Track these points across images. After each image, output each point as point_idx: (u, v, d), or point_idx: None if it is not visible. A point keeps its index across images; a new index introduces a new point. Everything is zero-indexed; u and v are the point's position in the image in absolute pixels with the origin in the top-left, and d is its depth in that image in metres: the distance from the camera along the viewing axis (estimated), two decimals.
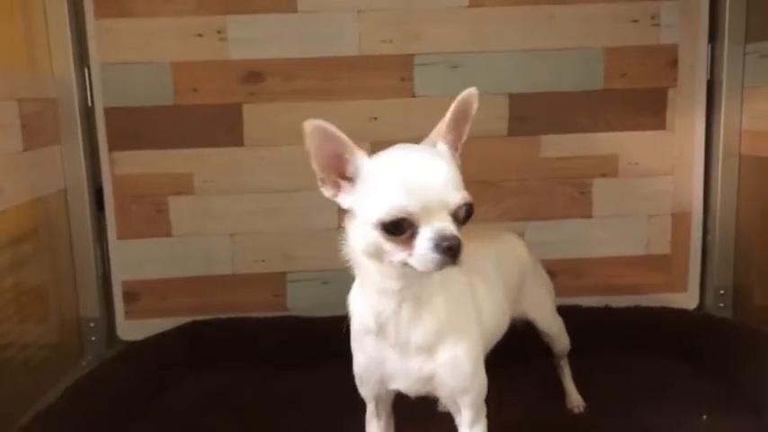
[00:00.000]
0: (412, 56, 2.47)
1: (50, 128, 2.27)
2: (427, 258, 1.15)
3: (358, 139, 2.37)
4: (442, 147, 1.29)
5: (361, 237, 1.22)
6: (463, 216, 1.18)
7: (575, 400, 2.06)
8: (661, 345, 2.32)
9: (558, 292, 2.53)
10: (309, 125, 1.21)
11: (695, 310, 2.61)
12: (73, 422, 1.78)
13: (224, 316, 2.46)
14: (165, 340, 2.33)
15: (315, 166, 1.25)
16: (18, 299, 2.06)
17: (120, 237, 2.50)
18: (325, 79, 2.46)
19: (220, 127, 2.47)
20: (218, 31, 2.42)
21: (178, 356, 2.30)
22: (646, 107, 2.54)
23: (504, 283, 1.64)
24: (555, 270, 2.51)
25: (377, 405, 1.48)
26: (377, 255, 1.21)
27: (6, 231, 1.96)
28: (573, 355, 2.11)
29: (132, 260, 2.52)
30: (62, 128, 2.34)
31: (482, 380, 1.41)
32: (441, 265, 1.15)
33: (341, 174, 1.26)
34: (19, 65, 2.14)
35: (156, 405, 2.07)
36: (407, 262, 1.17)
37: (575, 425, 1.96)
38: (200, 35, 2.42)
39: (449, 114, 1.29)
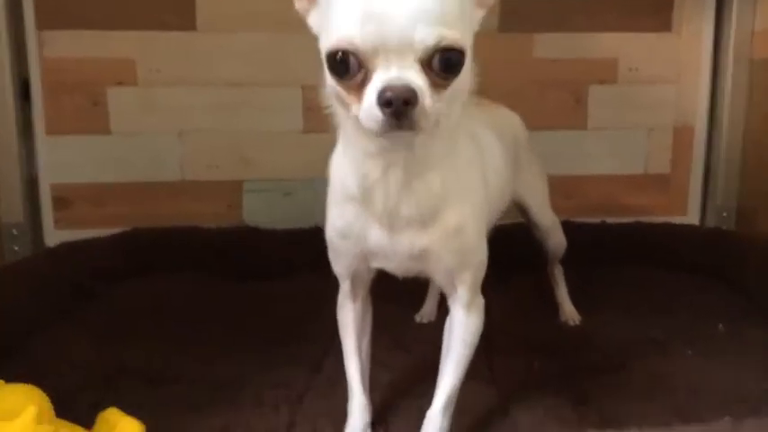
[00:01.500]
0: None
1: None
2: (369, 115, 0.87)
3: None
4: None
5: (325, 75, 0.95)
6: (440, 65, 0.88)
7: (568, 312, 1.83)
8: (669, 259, 2.09)
9: None
10: None
11: None
12: None
13: (169, 225, 2.14)
14: (100, 245, 2.01)
15: None
16: None
17: (50, 132, 2.16)
18: None
19: (170, 6, 2.14)
20: None
21: (112, 262, 1.98)
22: (649, 6, 2.29)
23: (504, 150, 1.41)
24: None
25: (353, 284, 1.21)
26: (340, 101, 0.95)
27: None
28: (570, 269, 1.87)
29: (63, 160, 2.18)
30: None
31: (483, 255, 1.16)
32: (385, 127, 0.87)
33: None
34: None
35: (82, 308, 1.75)
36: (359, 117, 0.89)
37: (565, 337, 1.71)
38: None
39: None
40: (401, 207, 1.04)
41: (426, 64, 0.87)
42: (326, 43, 0.90)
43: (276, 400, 1.31)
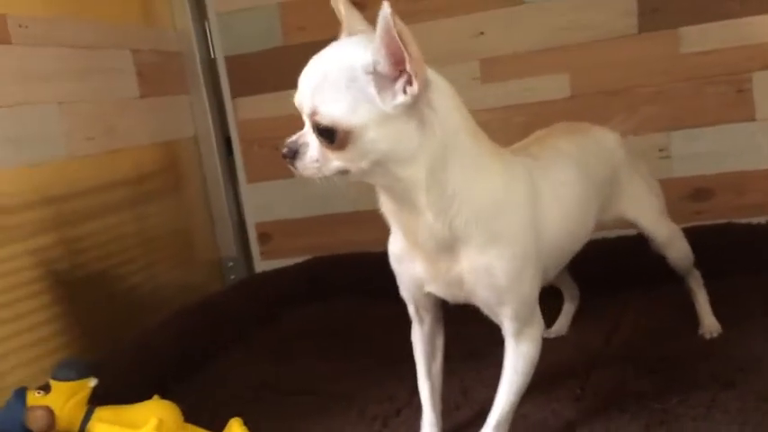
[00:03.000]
0: None
1: (174, 78, 2.43)
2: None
3: (466, 58, 2.29)
4: (365, 61, 1.06)
5: None
6: (318, 133, 1.08)
7: (708, 325, 1.73)
8: None
9: (717, 212, 2.18)
10: None
11: None
12: (176, 336, 1.89)
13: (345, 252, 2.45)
14: (283, 274, 2.39)
15: None
16: (151, 241, 2.23)
17: (250, 180, 2.61)
18: None
19: None
20: None
21: (295, 290, 2.34)
22: None
23: (587, 180, 1.42)
24: (711, 187, 2.19)
25: (417, 309, 1.35)
26: None
27: (123, 170, 2.13)
28: (721, 277, 1.79)
29: (262, 202, 2.61)
30: (188, 79, 2.49)
31: (524, 292, 1.22)
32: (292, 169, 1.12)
33: None
34: (134, 17, 2.30)
35: (264, 333, 2.12)
36: None
37: (703, 351, 1.64)
38: None
39: (379, 31, 1.03)
40: (418, 237, 1.17)
41: (315, 128, 1.08)
42: None
43: (376, 412, 1.52)
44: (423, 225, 1.15)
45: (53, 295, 1.82)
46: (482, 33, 2.29)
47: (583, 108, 2.25)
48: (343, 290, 2.34)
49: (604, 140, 1.58)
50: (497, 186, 1.19)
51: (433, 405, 1.37)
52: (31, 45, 1.83)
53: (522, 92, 2.29)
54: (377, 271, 2.31)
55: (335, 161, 1.08)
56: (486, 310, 1.24)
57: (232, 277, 2.62)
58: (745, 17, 2.09)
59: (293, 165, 1.11)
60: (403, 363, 1.72)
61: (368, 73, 1.05)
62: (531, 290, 1.23)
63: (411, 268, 1.24)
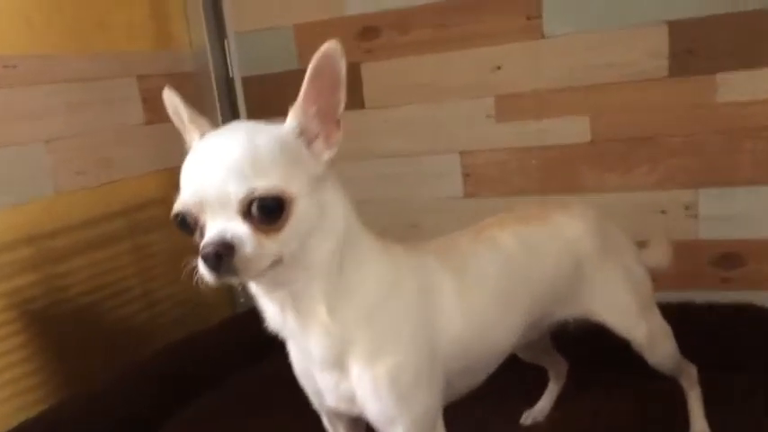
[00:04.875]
0: None
1: (186, 101, 2.38)
2: (200, 268, 0.95)
3: (481, 93, 2.13)
4: (289, 125, 1.02)
5: None
6: (260, 213, 0.94)
7: (699, 430, 1.54)
8: None
9: (748, 282, 1.96)
10: (165, 94, 1.11)
11: None
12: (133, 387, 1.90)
13: None
14: None
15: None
16: (149, 271, 2.24)
17: None
18: (441, 27, 2.16)
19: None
20: None
21: None
22: None
23: (517, 277, 1.28)
24: (742, 253, 1.97)
25: (329, 420, 1.27)
26: None
27: (120, 201, 2.13)
28: (731, 371, 1.62)
29: None
30: (203, 100, 2.45)
31: (417, 411, 1.11)
32: (210, 278, 0.94)
33: None
34: (145, 41, 2.28)
35: (245, 377, 2.10)
36: None
37: None
38: None
39: (305, 79, 1.01)
40: (309, 346, 1.08)
41: (247, 213, 0.93)
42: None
43: None
44: (315, 326, 1.06)
45: (34, 333, 1.86)
46: (499, 68, 2.12)
47: (603, 155, 2.04)
48: None
49: (566, 231, 1.38)
50: (384, 287, 1.09)
51: None
52: (19, 85, 1.84)
53: (539, 133, 2.11)
54: None
55: (272, 247, 0.95)
56: (378, 428, 1.14)
57: (242, 300, 2.60)
58: None
59: (230, 266, 0.92)
60: None
61: (297, 136, 1.00)
62: (428, 408, 1.12)
63: (311, 383, 1.16)
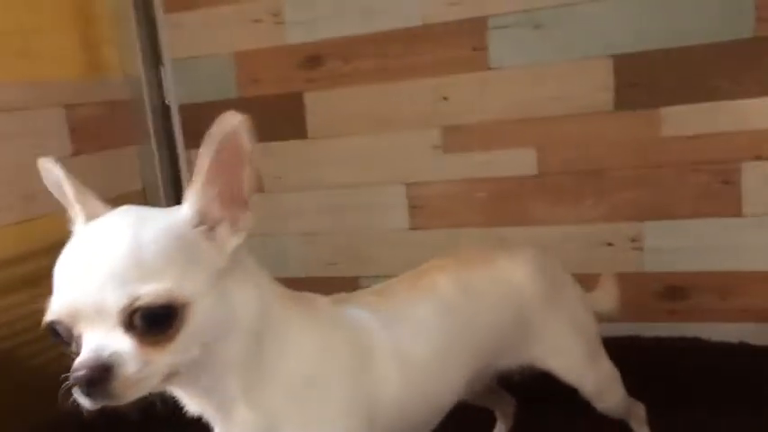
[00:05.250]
0: (485, 18, 2.01)
1: (118, 130, 2.28)
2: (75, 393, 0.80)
3: (427, 124, 2.10)
4: (185, 213, 0.87)
5: None
6: (145, 324, 0.79)
7: None
8: None
9: (696, 314, 1.96)
10: (41, 164, 0.95)
11: None
12: None
13: None
14: None
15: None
16: None
17: None
18: (386, 56, 2.12)
19: (283, 118, 2.27)
20: (275, 14, 2.21)
21: None
22: None
23: (458, 326, 1.20)
24: (688, 286, 1.94)
25: None
26: None
27: (45, 238, 2.00)
28: (680, 407, 1.58)
29: None
30: (136, 128, 2.34)
31: None
32: (85, 402, 0.80)
33: None
34: (75, 70, 2.16)
35: None
36: None
37: None
38: (257, 20, 2.24)
39: (204, 159, 0.86)
40: None
41: (129, 325, 0.79)
42: None
43: None
44: (237, 421, 0.95)
45: None
46: (445, 98, 2.08)
47: (550, 188, 2.02)
48: None
49: (510, 276, 1.30)
50: (310, 357, 0.99)
51: None
52: None
53: (486, 165, 2.08)
54: None
55: (162, 361, 0.81)
56: None
57: None
58: (736, 99, 1.83)
59: (106, 390, 0.78)
60: None
61: (196, 225, 0.86)
62: None
63: None
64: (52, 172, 0.95)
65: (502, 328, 1.27)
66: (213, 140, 0.85)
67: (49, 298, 0.83)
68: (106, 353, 0.79)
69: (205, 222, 0.87)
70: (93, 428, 1.79)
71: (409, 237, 2.20)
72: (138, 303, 0.79)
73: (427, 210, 2.17)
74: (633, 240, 1.97)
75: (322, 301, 1.08)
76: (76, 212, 0.93)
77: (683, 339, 1.83)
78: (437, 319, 1.17)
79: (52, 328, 0.83)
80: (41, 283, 1.93)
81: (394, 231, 2.21)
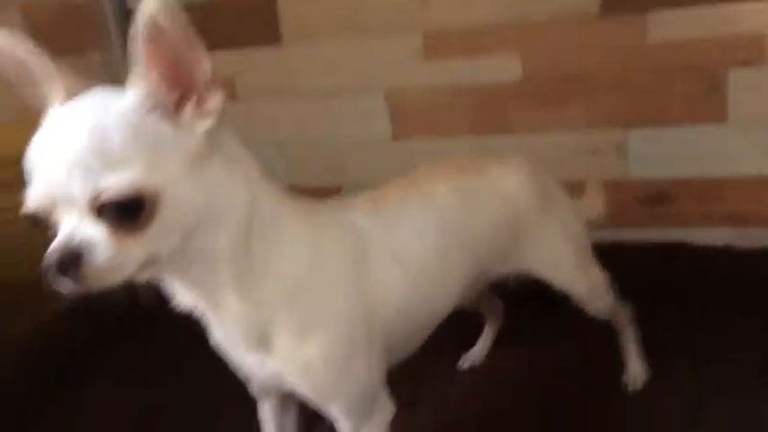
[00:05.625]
0: None
1: (76, 35, 2.14)
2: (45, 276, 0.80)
3: (408, 29, 2.01)
4: (131, 99, 0.83)
5: None
6: (115, 214, 0.79)
7: (632, 373, 1.58)
8: None
9: (678, 219, 1.98)
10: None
11: None
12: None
13: None
14: None
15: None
16: None
17: None
18: None
19: (256, 22, 2.16)
20: None
21: None
22: None
23: (455, 233, 1.19)
24: (671, 192, 1.95)
25: (254, 388, 1.15)
26: None
27: None
28: (668, 310, 1.65)
29: None
30: (100, 36, 2.20)
31: (356, 386, 1.04)
32: (56, 286, 0.80)
33: None
34: None
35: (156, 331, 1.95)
36: None
37: (611, 410, 1.48)
38: None
39: (137, 46, 0.82)
40: (226, 329, 0.97)
41: (100, 212, 0.79)
42: None
43: None
44: (228, 312, 0.94)
45: None
46: (426, 2, 1.99)
47: (534, 93, 1.98)
48: None
49: (503, 184, 1.31)
50: (304, 256, 0.98)
51: None
52: None
53: (470, 71, 2.02)
54: None
55: (138, 248, 0.81)
56: (314, 407, 1.06)
57: None
58: (723, 3, 1.79)
59: (77, 275, 0.78)
60: None
61: (150, 110, 0.82)
62: (367, 380, 1.05)
63: (233, 358, 1.05)
64: (13, 46, 0.86)
65: (497, 236, 1.27)
66: (137, 28, 0.80)
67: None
68: (76, 239, 0.79)
69: (158, 107, 0.82)
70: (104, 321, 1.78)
71: (391, 147, 2.15)
72: (104, 196, 0.78)
73: (409, 118, 2.12)
74: (618, 148, 1.96)
75: (318, 203, 1.05)
76: (52, 90, 0.87)
77: (668, 244, 1.85)
78: (436, 225, 1.17)
79: (32, 217, 0.82)
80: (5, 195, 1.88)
81: (375, 140, 2.16)
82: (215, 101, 0.84)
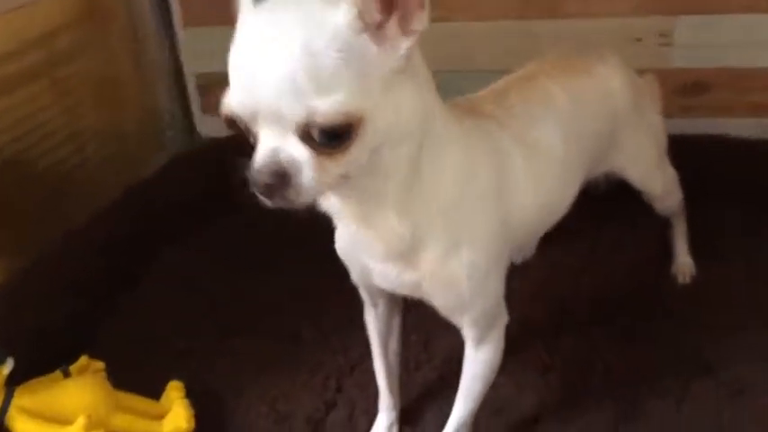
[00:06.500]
0: None
1: None
2: (252, 189, 0.80)
3: None
4: (341, 15, 0.77)
5: None
6: (323, 138, 0.77)
7: (682, 265, 1.64)
8: None
9: (710, 111, 1.99)
10: None
11: None
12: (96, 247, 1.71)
13: None
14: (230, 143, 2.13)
15: None
16: (73, 109, 1.93)
17: (187, 24, 2.23)
18: None
19: None
20: None
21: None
22: None
23: (575, 139, 1.19)
24: (709, 82, 1.94)
25: (370, 294, 1.18)
26: None
27: (29, 31, 1.76)
28: (702, 204, 1.63)
29: (203, 50, 2.25)
30: None
31: (490, 298, 1.06)
32: (265, 202, 0.81)
33: None
34: None
35: (209, 231, 1.92)
36: None
37: (664, 299, 1.56)
38: None
39: None
40: (371, 242, 0.97)
41: (306, 136, 0.77)
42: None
43: (328, 370, 1.42)
44: (381, 228, 0.94)
45: None
46: None
47: None
48: None
49: (609, 84, 1.30)
50: (461, 175, 0.97)
51: (390, 388, 1.28)
52: None
53: None
54: None
55: (336, 168, 0.80)
56: (445, 315, 1.08)
57: (169, 134, 2.34)
58: None
59: (284, 194, 0.79)
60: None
61: (361, 30, 0.77)
62: (497, 292, 1.08)
63: (359, 259, 1.05)
64: None
65: (602, 137, 1.28)
66: None
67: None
68: (283, 158, 0.78)
69: (369, 26, 0.77)
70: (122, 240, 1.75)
71: (436, 30, 2.05)
72: (316, 119, 0.75)
73: (452, 1, 2.01)
74: (662, 35, 1.93)
75: (466, 116, 1.02)
76: None
77: (710, 136, 1.87)
78: (557, 132, 1.16)
79: (229, 119, 0.80)
80: (40, 78, 1.77)
81: None
82: (422, 18, 0.79)
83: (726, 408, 1.26)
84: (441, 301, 1.05)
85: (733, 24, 1.87)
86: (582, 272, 1.65)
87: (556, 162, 1.15)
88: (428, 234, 0.96)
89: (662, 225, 1.64)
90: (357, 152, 0.80)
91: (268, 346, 1.49)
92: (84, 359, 1.31)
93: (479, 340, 1.09)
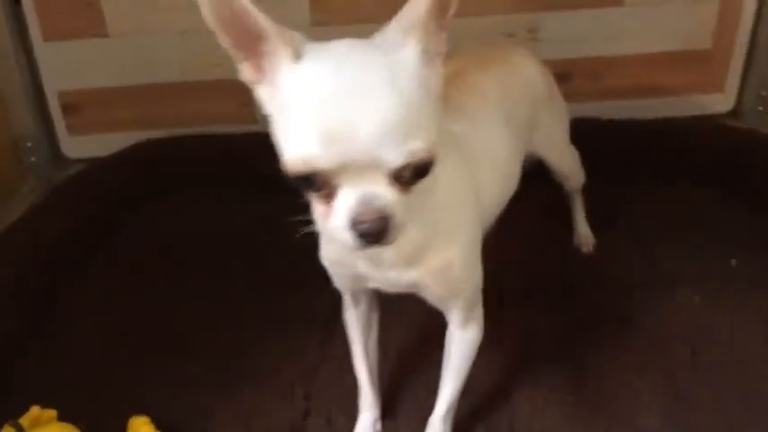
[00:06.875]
0: None
1: None
2: (342, 235, 0.81)
3: None
4: (411, 52, 0.81)
5: None
6: (411, 175, 0.80)
7: (584, 237, 1.80)
8: (694, 167, 1.98)
9: (575, 97, 2.18)
10: None
11: (729, 113, 2.24)
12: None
13: (182, 132, 2.10)
14: (113, 166, 2.01)
15: (222, 41, 0.83)
16: None
17: (47, 38, 2.05)
18: None
19: None
20: None
21: (131, 185, 1.99)
22: None
23: (513, 127, 1.28)
24: (571, 72, 2.14)
25: (353, 296, 1.21)
26: None
27: None
28: (589, 183, 1.79)
29: (66, 66, 2.09)
30: None
31: (476, 279, 1.12)
32: (360, 247, 0.82)
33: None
34: None
35: (98, 259, 1.81)
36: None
37: (577, 267, 1.72)
38: None
39: None
40: (382, 254, 1.00)
41: (396, 177, 0.80)
42: (283, 153, 0.81)
43: (292, 377, 1.40)
44: (404, 244, 0.95)
45: None
46: None
47: None
48: (184, 181, 2.04)
49: (526, 71, 1.41)
50: (450, 191, 1.03)
51: (372, 384, 1.29)
52: None
53: None
54: (222, 154, 2.08)
55: (413, 201, 0.83)
56: (435, 305, 1.13)
57: (32, 160, 2.14)
58: None
59: (387, 239, 0.81)
60: (301, 287, 1.55)
61: (426, 63, 0.82)
62: (480, 273, 1.14)
63: (353, 269, 1.07)
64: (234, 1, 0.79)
65: (528, 121, 1.37)
66: None
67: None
68: (383, 204, 0.80)
69: (432, 59, 0.83)
70: None
71: (312, 33, 2.07)
72: (412, 159, 0.78)
73: (328, 3, 2.04)
74: (530, 31, 2.10)
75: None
76: (278, 47, 0.82)
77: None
78: (501, 123, 1.24)
79: (304, 177, 0.79)
80: None
81: (293, 27, 2.06)
82: (444, 45, 0.84)
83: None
84: (438, 292, 1.09)
85: (589, 18, 2.09)
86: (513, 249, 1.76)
87: (506, 149, 1.24)
88: (430, 238, 1.01)
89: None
90: (426, 181, 0.83)
91: (218, 365, 1.44)
92: (35, 409, 1.18)
93: (466, 320, 1.14)
